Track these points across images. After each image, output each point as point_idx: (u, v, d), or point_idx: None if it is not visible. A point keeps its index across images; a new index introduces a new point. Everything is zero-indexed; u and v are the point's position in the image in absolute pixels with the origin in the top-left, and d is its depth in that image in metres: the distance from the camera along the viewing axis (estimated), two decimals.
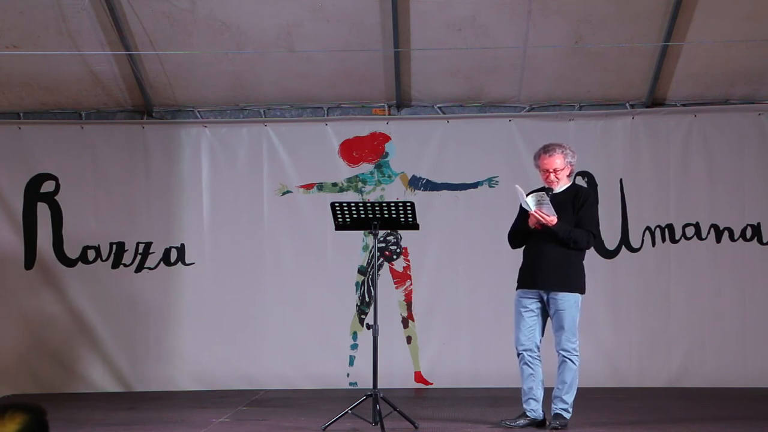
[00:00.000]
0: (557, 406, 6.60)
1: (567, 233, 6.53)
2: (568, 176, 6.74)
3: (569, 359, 6.55)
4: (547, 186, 6.68)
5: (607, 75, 8.84)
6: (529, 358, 6.63)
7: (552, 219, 6.47)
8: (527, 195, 6.55)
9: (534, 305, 6.63)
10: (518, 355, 6.68)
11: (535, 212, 6.47)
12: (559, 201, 6.58)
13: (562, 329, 6.53)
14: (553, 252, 6.56)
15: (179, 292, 9.17)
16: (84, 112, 9.28)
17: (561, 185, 6.69)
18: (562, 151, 6.65)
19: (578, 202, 6.63)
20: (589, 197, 6.75)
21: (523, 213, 6.68)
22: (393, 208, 6.81)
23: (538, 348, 6.66)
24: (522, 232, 6.71)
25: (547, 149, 6.67)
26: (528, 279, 6.66)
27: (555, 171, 6.63)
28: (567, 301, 6.53)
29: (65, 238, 9.14)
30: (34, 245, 9.12)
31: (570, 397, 6.60)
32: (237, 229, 9.17)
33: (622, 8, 8.15)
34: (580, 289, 6.63)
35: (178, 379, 9.12)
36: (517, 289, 6.73)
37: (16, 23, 8.16)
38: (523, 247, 6.79)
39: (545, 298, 6.60)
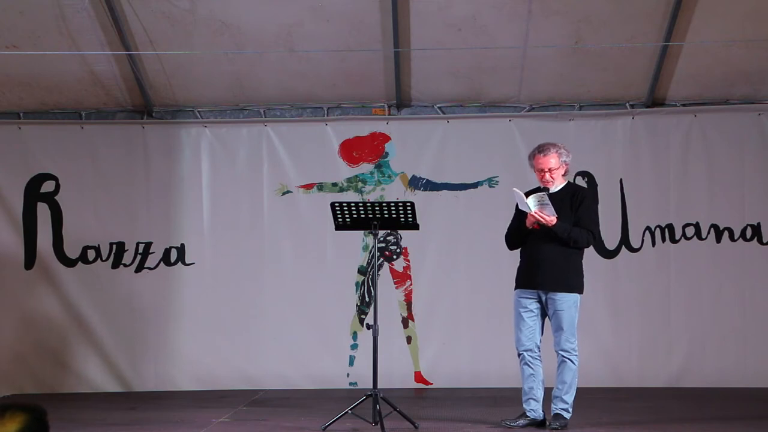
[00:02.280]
0: (557, 406, 6.60)
1: (566, 233, 6.53)
2: (564, 175, 6.74)
3: (569, 359, 6.55)
4: (543, 186, 6.68)
5: (607, 75, 8.84)
6: (530, 358, 6.64)
7: (552, 219, 6.47)
8: (526, 196, 6.55)
9: (533, 305, 6.63)
10: (519, 355, 6.69)
11: (535, 213, 6.47)
12: (556, 200, 6.58)
13: (561, 329, 6.53)
14: (551, 252, 6.56)
15: (179, 292, 9.17)
16: (84, 112, 9.29)
17: (557, 184, 6.69)
18: (557, 151, 6.65)
19: (576, 201, 6.64)
20: (587, 196, 6.76)
21: (520, 213, 6.68)
22: (393, 208, 6.81)
23: (539, 348, 6.67)
24: (520, 232, 6.70)
25: (541, 149, 6.67)
26: (526, 279, 6.66)
27: (550, 170, 6.63)
28: (566, 302, 6.53)
29: (65, 238, 9.14)
30: (34, 245, 9.12)
31: (570, 397, 6.60)
32: (237, 229, 9.17)
33: (622, 8, 8.15)
34: (579, 288, 6.63)
35: (178, 379, 9.12)
36: (515, 289, 6.73)
37: (16, 23, 8.16)
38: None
39: (544, 298, 6.60)
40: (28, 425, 3.05)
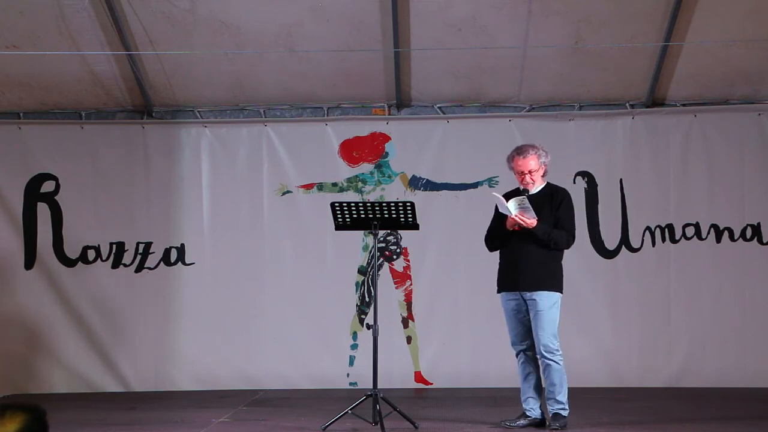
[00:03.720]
0: (553, 407, 6.59)
1: (547, 235, 6.53)
2: (543, 176, 6.73)
3: (552, 361, 6.50)
4: (522, 187, 6.67)
5: (607, 75, 8.84)
6: (526, 358, 6.64)
7: (532, 222, 6.47)
8: (506, 198, 6.54)
9: (520, 306, 6.62)
10: (516, 355, 6.70)
11: (516, 216, 6.47)
12: (536, 201, 6.58)
13: (543, 330, 6.50)
14: (530, 253, 6.56)
15: (179, 292, 9.17)
16: (84, 112, 9.29)
17: (536, 186, 6.69)
18: (536, 152, 6.64)
19: (555, 202, 6.64)
20: (566, 197, 6.74)
21: (499, 215, 6.68)
22: (393, 208, 6.81)
23: (534, 347, 6.66)
24: (500, 234, 6.70)
25: (520, 151, 6.66)
26: (508, 281, 6.65)
27: (530, 172, 6.63)
28: (547, 301, 6.51)
29: (65, 238, 9.14)
30: (34, 245, 9.12)
31: (563, 396, 6.58)
32: (237, 229, 9.17)
33: (622, 8, 8.15)
34: (559, 288, 6.61)
35: (178, 379, 9.12)
36: (498, 292, 6.73)
37: (16, 23, 8.16)
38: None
39: (525, 299, 6.58)
40: (28, 425, 3.05)
